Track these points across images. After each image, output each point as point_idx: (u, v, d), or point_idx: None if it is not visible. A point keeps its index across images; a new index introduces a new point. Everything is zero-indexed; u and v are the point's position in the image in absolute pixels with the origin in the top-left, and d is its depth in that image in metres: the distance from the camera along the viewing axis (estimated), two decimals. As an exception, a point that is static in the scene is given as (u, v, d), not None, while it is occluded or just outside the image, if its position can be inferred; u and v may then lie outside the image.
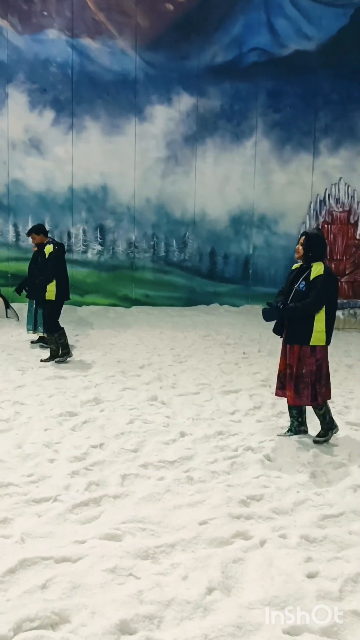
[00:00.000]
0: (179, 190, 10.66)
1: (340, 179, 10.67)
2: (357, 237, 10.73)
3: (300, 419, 4.99)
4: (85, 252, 10.66)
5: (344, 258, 10.72)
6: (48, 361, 7.16)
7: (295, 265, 4.93)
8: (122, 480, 3.99)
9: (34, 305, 7.81)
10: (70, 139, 10.42)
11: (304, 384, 4.71)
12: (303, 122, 10.62)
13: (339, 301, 7.04)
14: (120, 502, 3.70)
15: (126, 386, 6.29)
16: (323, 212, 10.70)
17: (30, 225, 8.81)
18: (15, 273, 10.20)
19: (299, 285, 4.73)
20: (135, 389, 6.22)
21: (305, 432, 4.99)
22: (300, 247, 4.77)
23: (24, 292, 7.83)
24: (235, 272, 10.89)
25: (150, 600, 2.70)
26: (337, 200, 10.69)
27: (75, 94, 10.38)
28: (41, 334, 7.77)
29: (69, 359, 7.21)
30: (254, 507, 3.68)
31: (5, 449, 4.43)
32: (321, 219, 10.68)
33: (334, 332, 4.96)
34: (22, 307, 9.20)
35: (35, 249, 7.63)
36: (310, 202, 10.71)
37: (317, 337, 4.68)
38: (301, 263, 4.84)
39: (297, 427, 4.97)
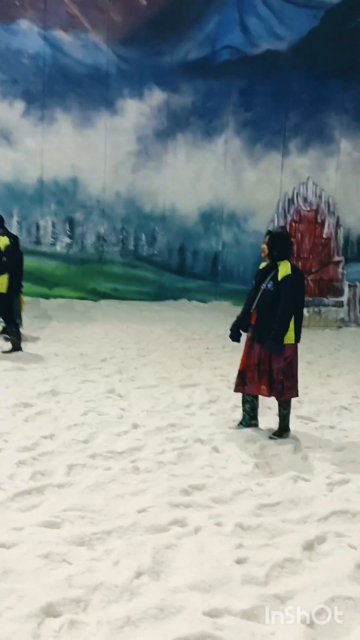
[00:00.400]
0: (150, 185, 10.70)
1: (308, 178, 10.82)
2: (324, 236, 10.90)
3: (252, 413, 5.08)
4: (54, 244, 10.64)
5: (311, 257, 10.88)
6: (11, 353, 7.16)
7: (263, 265, 4.98)
8: (69, 470, 4.02)
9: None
10: (40, 130, 10.38)
11: (277, 381, 4.78)
12: (274, 122, 10.74)
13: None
14: (64, 492, 3.73)
15: (86, 379, 6.32)
16: (291, 211, 10.84)
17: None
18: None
19: (266, 285, 4.79)
20: (94, 381, 6.25)
21: (256, 425, 5.09)
22: (265, 247, 4.84)
23: None
24: (204, 269, 10.98)
25: (80, 584, 2.75)
26: (305, 200, 10.84)
27: (46, 86, 10.34)
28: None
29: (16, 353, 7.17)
30: (194, 496, 3.75)
31: None
32: (289, 218, 10.82)
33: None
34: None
35: None
36: (279, 201, 10.85)
37: (287, 335, 4.74)
38: (268, 262, 4.91)
39: (249, 420, 5.07)
